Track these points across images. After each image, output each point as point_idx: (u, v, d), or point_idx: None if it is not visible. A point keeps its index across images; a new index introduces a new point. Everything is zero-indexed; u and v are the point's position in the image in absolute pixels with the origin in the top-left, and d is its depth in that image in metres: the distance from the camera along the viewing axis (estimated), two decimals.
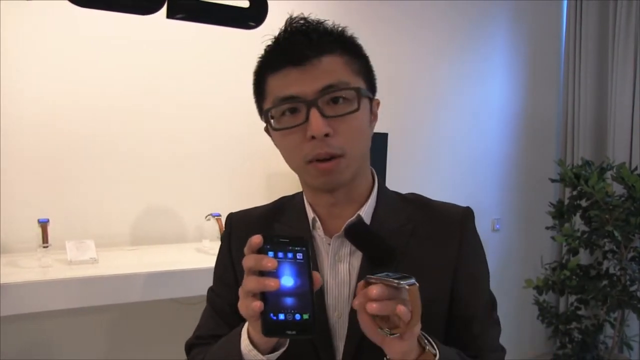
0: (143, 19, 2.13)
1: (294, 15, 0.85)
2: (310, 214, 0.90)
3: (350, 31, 0.87)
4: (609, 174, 2.79)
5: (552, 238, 2.99)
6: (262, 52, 0.87)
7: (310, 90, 0.79)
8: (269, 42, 0.86)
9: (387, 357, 0.74)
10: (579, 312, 2.86)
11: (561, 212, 2.90)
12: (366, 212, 0.88)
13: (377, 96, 0.90)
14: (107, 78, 2.13)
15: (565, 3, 3.51)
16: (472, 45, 3.17)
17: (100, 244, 2.01)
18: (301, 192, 0.94)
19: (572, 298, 2.96)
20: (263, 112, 0.86)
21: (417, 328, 0.71)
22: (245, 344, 0.74)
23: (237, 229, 0.96)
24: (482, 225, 3.24)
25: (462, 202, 0.95)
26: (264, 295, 0.67)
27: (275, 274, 0.67)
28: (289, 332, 0.67)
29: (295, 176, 0.90)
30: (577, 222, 2.93)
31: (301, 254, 0.70)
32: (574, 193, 2.86)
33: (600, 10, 3.32)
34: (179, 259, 2.02)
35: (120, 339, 2.20)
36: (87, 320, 2.13)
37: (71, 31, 2.06)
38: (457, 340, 0.87)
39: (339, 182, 0.84)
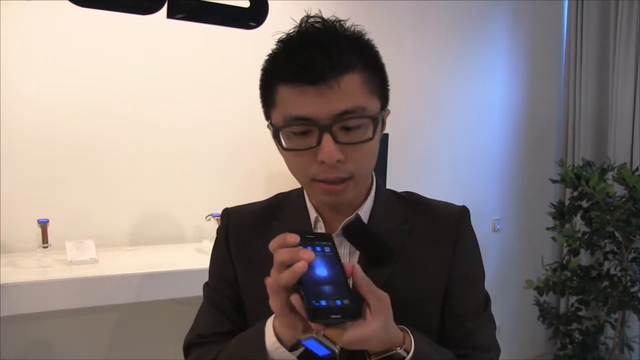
0: (143, 19, 2.13)
1: (307, 12, 0.79)
2: (313, 214, 0.90)
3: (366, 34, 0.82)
4: (609, 174, 2.78)
5: (553, 239, 2.98)
6: (272, 51, 0.81)
7: (325, 114, 0.75)
8: (279, 37, 0.80)
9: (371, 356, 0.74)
10: (580, 313, 2.86)
11: (562, 213, 2.90)
12: (364, 211, 0.88)
13: None
14: (107, 78, 2.13)
15: (566, 3, 3.51)
16: (472, 46, 3.17)
17: (100, 244, 2.01)
18: (298, 189, 0.93)
19: (573, 299, 2.96)
20: (272, 125, 0.83)
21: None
22: (272, 340, 0.74)
23: (234, 225, 0.95)
24: (483, 226, 3.27)
25: (462, 202, 0.94)
26: (301, 287, 0.68)
27: (309, 266, 0.69)
28: (334, 317, 0.67)
29: None
30: (578, 222, 2.93)
31: (329, 247, 0.73)
32: (575, 194, 2.85)
33: (601, 10, 3.32)
34: (179, 260, 2.02)
35: (120, 339, 2.20)
36: (87, 320, 2.13)
37: (71, 31, 2.06)
38: (450, 337, 0.87)
39: (344, 201, 0.84)
